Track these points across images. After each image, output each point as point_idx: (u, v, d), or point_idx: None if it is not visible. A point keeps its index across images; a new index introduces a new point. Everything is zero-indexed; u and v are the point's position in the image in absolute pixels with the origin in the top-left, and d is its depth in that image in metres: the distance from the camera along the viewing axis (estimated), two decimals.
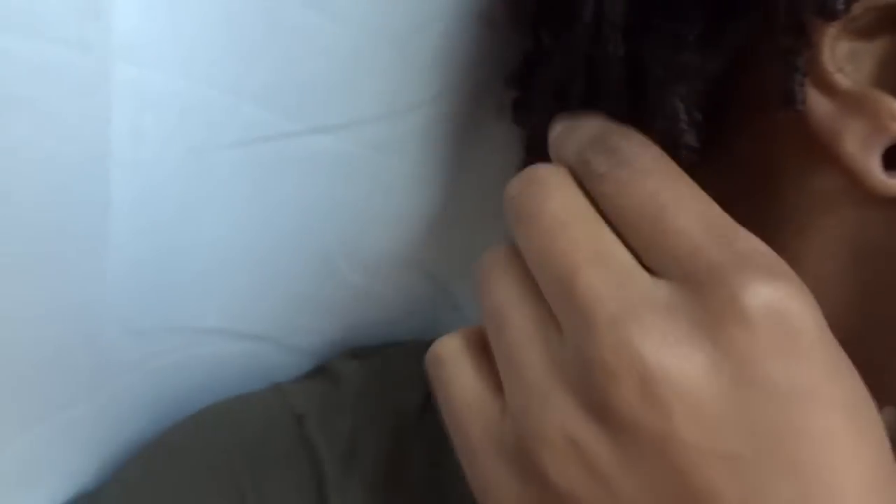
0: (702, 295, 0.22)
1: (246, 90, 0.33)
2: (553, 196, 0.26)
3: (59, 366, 0.35)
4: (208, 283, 0.37)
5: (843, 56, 0.27)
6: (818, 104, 0.27)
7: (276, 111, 0.35)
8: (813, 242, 0.29)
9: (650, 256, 0.24)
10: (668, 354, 0.22)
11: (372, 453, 0.36)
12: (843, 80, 0.27)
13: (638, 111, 0.29)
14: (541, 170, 0.28)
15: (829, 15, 0.26)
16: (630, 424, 0.22)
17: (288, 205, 0.37)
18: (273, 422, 0.37)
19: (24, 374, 0.34)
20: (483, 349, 0.26)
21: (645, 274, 0.24)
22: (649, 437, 0.21)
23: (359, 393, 0.38)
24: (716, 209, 0.25)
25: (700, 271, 0.23)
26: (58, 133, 0.30)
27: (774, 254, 0.24)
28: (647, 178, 0.25)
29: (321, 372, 0.40)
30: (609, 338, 0.22)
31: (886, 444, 0.23)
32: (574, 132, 0.28)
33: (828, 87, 0.27)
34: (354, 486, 0.35)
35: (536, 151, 0.32)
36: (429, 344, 0.28)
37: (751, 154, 0.30)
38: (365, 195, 0.39)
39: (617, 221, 0.25)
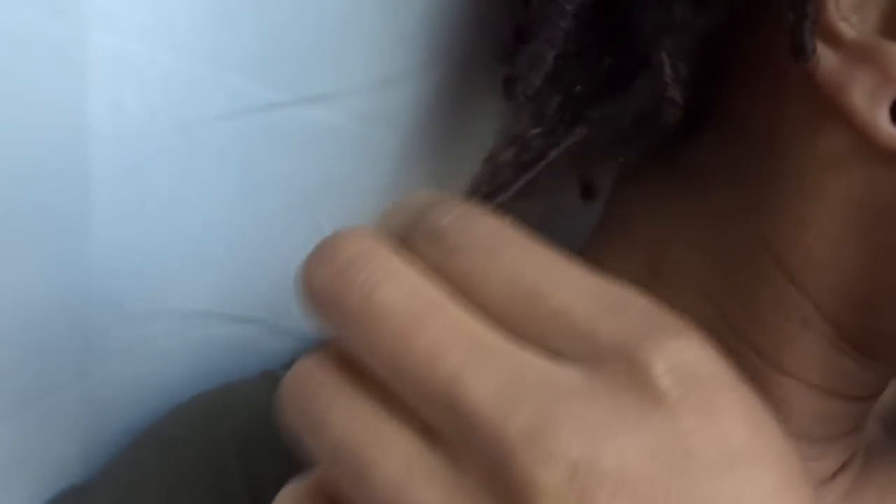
0: (614, 375, 0.19)
1: (231, 60, 0.32)
2: (388, 281, 0.20)
3: (44, 351, 0.34)
4: (198, 265, 0.36)
5: (847, 6, 0.26)
6: (824, 56, 0.26)
7: (263, 82, 0.33)
8: (822, 206, 0.28)
9: (537, 340, 0.20)
10: (604, 453, 0.18)
11: None
12: (848, 30, 0.26)
13: (621, 73, 0.28)
14: (356, 242, 0.21)
15: None
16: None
17: (277, 180, 0.36)
18: (264, 411, 0.36)
19: (6, 359, 0.33)
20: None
21: (540, 360, 0.19)
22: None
23: None
24: (587, 276, 0.20)
25: (603, 349, 0.19)
26: (31, 104, 0.29)
27: (664, 311, 0.20)
28: (500, 258, 0.20)
29: None
30: (532, 454, 0.18)
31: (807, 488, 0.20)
32: (398, 209, 0.23)
33: (833, 39, 0.26)
34: None
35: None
36: None
37: (755, 117, 0.29)
38: (355, 169, 0.37)
39: (479, 306, 0.20)
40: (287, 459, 0.35)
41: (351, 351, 0.20)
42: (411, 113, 0.37)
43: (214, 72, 0.32)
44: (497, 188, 0.30)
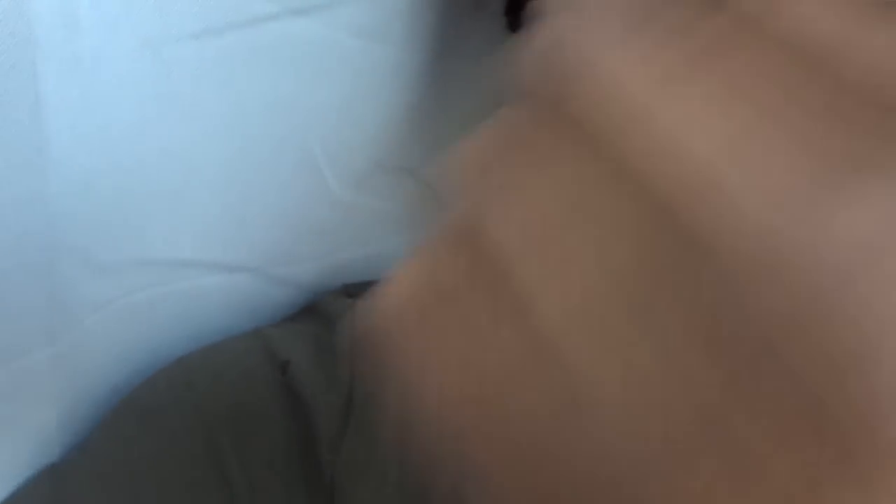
0: None
1: None
2: None
3: (4, 309, 0.30)
4: (179, 206, 0.31)
5: None
6: None
7: None
8: None
9: None
10: None
11: (372, 405, 0.31)
12: None
13: None
14: None
15: None
16: None
17: (263, 105, 0.32)
18: (254, 372, 0.32)
19: None
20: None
21: None
22: None
23: (357, 336, 0.33)
24: None
25: None
26: None
27: None
28: None
29: (311, 312, 0.35)
30: None
31: None
32: None
33: None
34: (353, 442, 0.30)
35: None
36: None
37: None
38: (347, 89, 0.33)
39: None
40: (277, 424, 0.32)
41: None
42: (405, 24, 0.33)
43: None
44: None
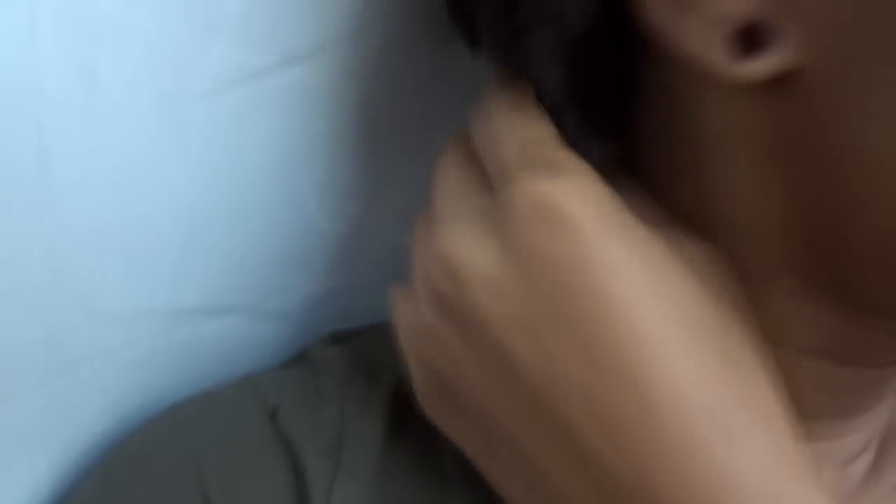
0: (498, 197, 0.28)
1: (219, 25, 0.29)
2: None
3: (1, 347, 0.30)
4: (187, 254, 0.32)
5: None
6: (653, 12, 0.26)
7: (248, 46, 0.30)
8: (723, 157, 0.28)
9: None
10: (466, 248, 0.27)
11: (362, 444, 0.32)
12: None
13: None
14: None
15: None
16: (446, 301, 0.27)
17: (262, 152, 0.33)
18: (243, 417, 0.33)
19: None
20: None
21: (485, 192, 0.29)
22: (458, 308, 0.27)
23: (343, 380, 0.34)
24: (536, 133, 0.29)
25: (499, 180, 0.28)
26: None
27: (568, 156, 0.28)
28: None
29: (299, 360, 0.36)
30: (434, 237, 0.28)
31: (699, 299, 0.26)
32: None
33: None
34: (342, 482, 0.31)
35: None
36: None
37: (657, 88, 0.29)
38: (337, 128, 0.34)
39: None
40: (268, 469, 0.33)
41: None
42: (386, 62, 0.34)
43: (200, 39, 0.28)
44: None
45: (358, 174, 0.36)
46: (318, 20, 0.32)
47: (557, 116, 0.29)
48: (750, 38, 0.25)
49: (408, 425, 0.32)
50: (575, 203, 0.26)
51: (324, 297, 0.37)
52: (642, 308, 0.25)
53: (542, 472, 0.26)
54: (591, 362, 0.25)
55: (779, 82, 0.26)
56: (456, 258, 0.27)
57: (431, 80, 0.36)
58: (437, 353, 0.28)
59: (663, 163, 0.30)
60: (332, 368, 0.34)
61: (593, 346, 0.25)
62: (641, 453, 0.24)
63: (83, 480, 0.34)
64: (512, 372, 0.26)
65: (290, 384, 0.34)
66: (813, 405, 0.30)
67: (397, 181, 0.37)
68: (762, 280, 0.29)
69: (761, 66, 0.25)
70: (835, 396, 0.31)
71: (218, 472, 0.31)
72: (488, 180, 0.29)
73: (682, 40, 0.26)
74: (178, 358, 0.34)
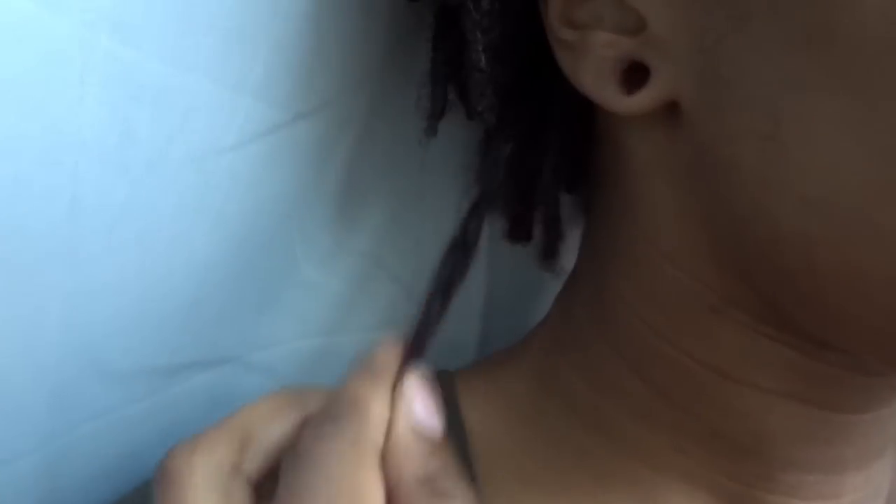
0: None
1: (248, 83, 0.29)
2: None
3: (5, 403, 0.29)
4: (194, 310, 0.31)
5: (558, 13, 0.29)
6: (562, 61, 0.29)
7: (271, 102, 0.30)
8: (649, 190, 0.30)
9: None
10: None
11: None
12: (565, 33, 0.29)
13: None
14: None
15: None
16: None
17: (268, 203, 0.32)
18: None
19: None
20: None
21: None
22: None
23: None
24: None
25: None
26: (22, 107, 0.25)
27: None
28: None
29: None
30: None
31: None
32: None
33: (560, 43, 0.29)
34: None
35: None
36: None
37: (599, 134, 0.32)
38: (326, 180, 0.35)
39: None
40: None
41: None
42: (391, 122, 0.35)
43: (232, 97, 0.28)
44: None
45: (347, 227, 0.36)
46: (326, 76, 0.32)
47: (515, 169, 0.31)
48: (634, 76, 0.28)
49: None
50: (178, 472, 0.25)
51: (310, 352, 0.37)
52: None
53: None
54: None
55: (669, 114, 0.28)
56: None
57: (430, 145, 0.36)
58: None
59: (608, 202, 0.32)
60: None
61: None
62: None
63: None
64: None
65: None
66: (791, 453, 0.30)
67: (392, 237, 0.37)
68: (708, 314, 0.29)
69: (643, 98, 0.28)
70: (815, 444, 0.30)
71: None
72: None
73: (584, 82, 0.29)
74: (172, 414, 0.33)
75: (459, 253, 0.27)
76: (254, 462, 0.26)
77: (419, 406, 0.26)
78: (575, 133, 0.32)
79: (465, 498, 0.25)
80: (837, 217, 0.25)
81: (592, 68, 0.28)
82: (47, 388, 0.30)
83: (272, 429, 0.26)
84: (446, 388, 0.34)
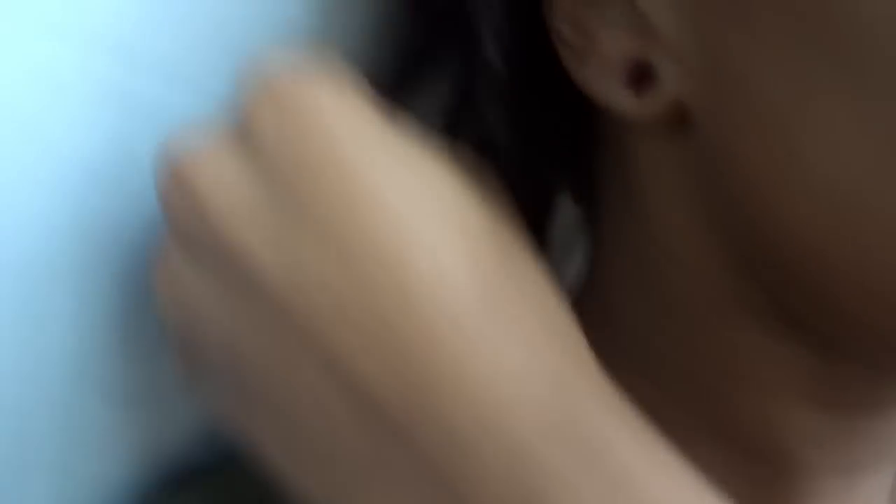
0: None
1: None
2: None
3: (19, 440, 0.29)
4: None
5: (593, 14, 0.29)
6: (567, 65, 0.29)
7: None
8: (659, 197, 0.30)
9: None
10: (204, 171, 0.25)
11: None
12: (571, 34, 0.29)
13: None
14: None
15: None
16: (190, 236, 0.25)
17: None
18: None
19: None
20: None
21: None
22: (200, 237, 0.25)
23: None
24: None
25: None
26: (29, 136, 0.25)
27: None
28: None
29: None
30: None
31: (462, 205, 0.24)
32: None
33: (564, 45, 0.29)
34: None
35: None
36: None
37: (605, 141, 0.32)
38: None
39: None
40: None
41: None
42: None
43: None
44: None
45: None
46: None
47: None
48: (640, 79, 0.28)
49: None
50: (319, 94, 0.24)
51: None
52: (394, 194, 0.23)
53: (295, 405, 0.23)
54: (344, 264, 0.23)
55: (679, 119, 0.28)
56: (194, 185, 0.24)
57: None
58: (186, 301, 0.25)
59: (613, 207, 0.32)
60: None
61: (345, 246, 0.23)
62: (409, 359, 0.22)
63: None
64: (258, 290, 0.23)
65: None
66: (805, 456, 0.30)
67: None
68: (717, 316, 0.30)
69: (652, 102, 0.28)
70: (829, 448, 0.31)
71: None
72: None
73: (590, 85, 0.29)
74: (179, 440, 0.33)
75: None
76: None
77: None
78: (576, 138, 0.32)
79: None
80: (848, 214, 0.26)
81: (598, 70, 0.28)
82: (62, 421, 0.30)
83: None
84: None
